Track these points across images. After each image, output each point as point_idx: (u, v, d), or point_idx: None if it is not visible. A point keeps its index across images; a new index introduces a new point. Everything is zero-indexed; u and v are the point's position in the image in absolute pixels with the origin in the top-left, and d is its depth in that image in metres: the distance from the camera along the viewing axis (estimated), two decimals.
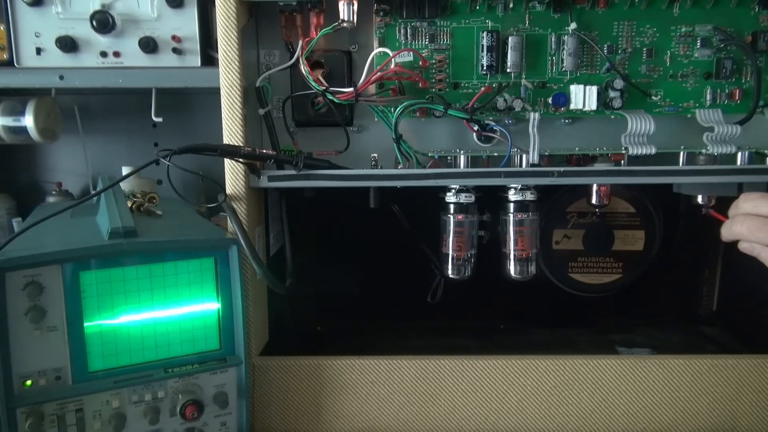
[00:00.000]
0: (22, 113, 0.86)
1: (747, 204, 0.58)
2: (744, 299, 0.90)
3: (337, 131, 0.75)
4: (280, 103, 0.76)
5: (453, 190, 0.76)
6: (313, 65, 0.73)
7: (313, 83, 0.70)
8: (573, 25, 0.71)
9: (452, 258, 0.78)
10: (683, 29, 0.72)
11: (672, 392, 0.72)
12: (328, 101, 0.71)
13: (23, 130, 0.87)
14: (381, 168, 0.73)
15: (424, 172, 0.71)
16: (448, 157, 0.77)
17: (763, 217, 0.56)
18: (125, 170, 0.93)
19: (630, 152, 0.71)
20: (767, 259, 0.58)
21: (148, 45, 0.77)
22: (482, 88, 0.72)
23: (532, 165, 0.71)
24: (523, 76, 0.73)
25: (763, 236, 0.56)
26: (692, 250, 0.93)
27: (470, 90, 0.74)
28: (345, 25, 0.68)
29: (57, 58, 0.78)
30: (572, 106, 0.72)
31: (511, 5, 0.72)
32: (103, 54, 0.78)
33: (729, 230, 0.59)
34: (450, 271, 0.79)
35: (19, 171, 1.05)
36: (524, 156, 0.73)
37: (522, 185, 0.75)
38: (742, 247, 0.59)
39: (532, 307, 0.93)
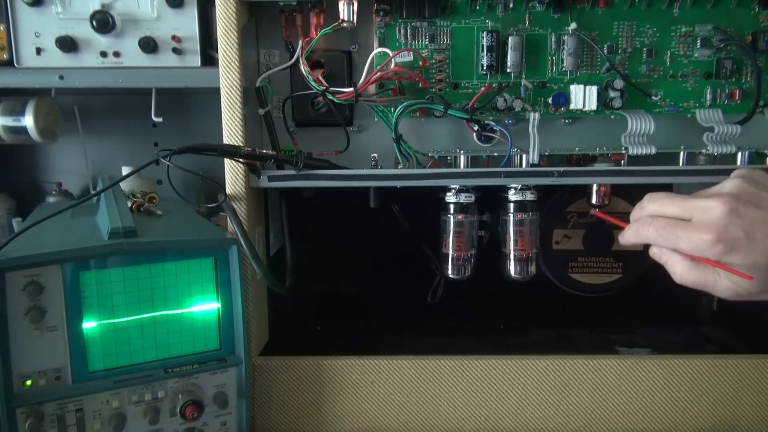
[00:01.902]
0: (22, 113, 0.86)
1: (653, 205, 0.54)
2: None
3: (337, 131, 0.75)
4: (280, 103, 0.76)
5: (453, 190, 0.76)
6: (313, 65, 0.73)
7: (313, 83, 0.70)
8: (573, 25, 0.71)
9: (452, 258, 0.78)
10: (683, 29, 0.72)
11: (672, 392, 0.72)
12: (328, 101, 0.71)
13: (23, 130, 0.87)
14: (381, 168, 0.73)
15: (424, 172, 0.71)
16: (448, 157, 0.77)
17: (669, 218, 0.53)
18: (125, 170, 0.93)
19: (630, 152, 0.71)
20: (673, 269, 0.53)
21: (148, 45, 0.77)
22: (482, 88, 0.72)
23: (532, 165, 0.72)
24: (523, 76, 0.73)
25: (670, 237, 0.52)
26: None
27: (470, 90, 0.74)
28: (345, 25, 0.68)
29: (57, 58, 0.77)
30: (572, 106, 0.72)
31: (511, 5, 0.72)
32: (103, 54, 0.78)
33: (636, 233, 0.55)
34: (450, 271, 0.79)
35: (19, 171, 1.05)
36: (524, 156, 0.73)
37: (522, 185, 0.75)
38: (652, 252, 0.55)
39: (532, 307, 0.93)
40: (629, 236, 0.56)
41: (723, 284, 0.51)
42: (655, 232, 0.53)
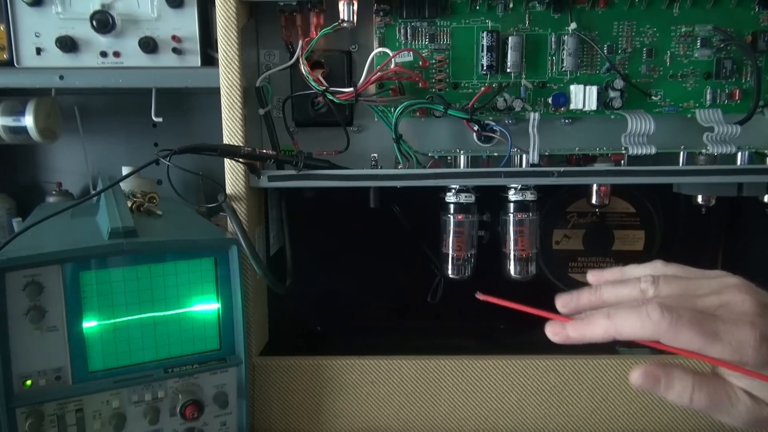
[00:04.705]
0: (22, 113, 0.86)
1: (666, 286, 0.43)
2: None
3: (337, 131, 0.75)
4: (280, 103, 0.76)
5: (453, 190, 0.76)
6: (313, 65, 0.73)
7: (313, 83, 0.70)
8: (573, 25, 0.71)
9: (452, 258, 0.78)
10: (683, 29, 0.72)
11: None
12: (328, 101, 0.71)
13: (23, 130, 0.87)
14: (381, 168, 0.73)
15: (424, 172, 0.71)
16: (448, 157, 0.77)
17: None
18: (125, 170, 0.93)
19: (630, 152, 0.71)
20: (676, 387, 0.41)
21: (148, 45, 0.77)
22: (482, 88, 0.72)
23: (532, 165, 0.72)
24: (523, 76, 0.73)
25: (708, 333, 0.38)
26: (692, 250, 0.93)
27: (470, 90, 0.74)
28: (345, 25, 0.68)
29: (57, 58, 0.77)
30: (572, 106, 0.72)
31: (511, 5, 0.71)
32: (103, 54, 0.78)
33: (641, 323, 0.40)
34: (450, 271, 0.79)
35: (19, 171, 1.05)
36: (524, 156, 0.73)
37: (522, 185, 0.75)
38: (643, 375, 0.43)
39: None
40: (628, 328, 0.41)
41: (741, 406, 0.40)
42: (689, 324, 0.38)
